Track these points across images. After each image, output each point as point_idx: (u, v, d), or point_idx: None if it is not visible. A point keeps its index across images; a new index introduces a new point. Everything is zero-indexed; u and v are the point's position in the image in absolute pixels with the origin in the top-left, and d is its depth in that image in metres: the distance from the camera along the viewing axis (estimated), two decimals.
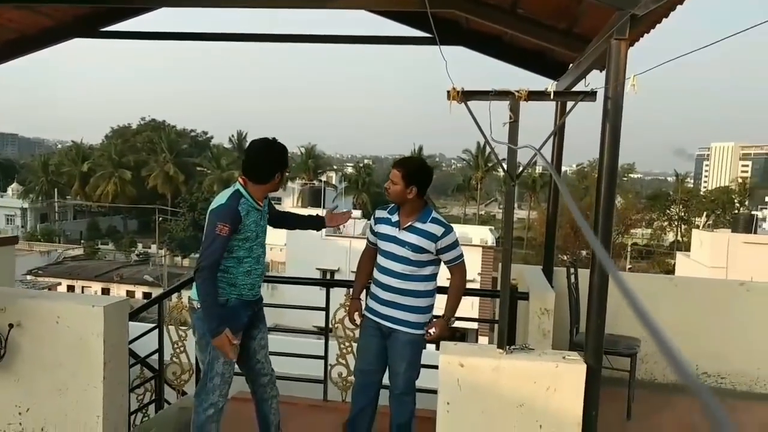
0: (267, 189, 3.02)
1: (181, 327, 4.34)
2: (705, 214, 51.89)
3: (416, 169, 3.21)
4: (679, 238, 54.56)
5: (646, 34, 3.33)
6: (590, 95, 2.73)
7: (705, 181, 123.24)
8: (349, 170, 67.17)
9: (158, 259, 48.28)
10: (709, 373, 4.64)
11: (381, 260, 3.29)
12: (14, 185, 59.08)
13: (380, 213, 3.36)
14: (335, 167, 68.45)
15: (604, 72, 2.88)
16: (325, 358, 4.23)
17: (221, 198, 2.92)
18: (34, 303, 3.17)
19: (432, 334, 3.27)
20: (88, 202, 60.68)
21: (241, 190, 2.94)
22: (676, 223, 57.79)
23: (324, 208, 33.51)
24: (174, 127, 66.94)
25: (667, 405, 4.41)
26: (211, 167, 59.63)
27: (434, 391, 3.05)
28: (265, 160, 2.98)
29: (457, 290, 3.33)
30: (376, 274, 3.32)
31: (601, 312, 2.69)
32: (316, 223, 3.51)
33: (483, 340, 21.16)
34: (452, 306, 3.31)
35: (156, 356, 4.43)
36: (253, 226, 2.96)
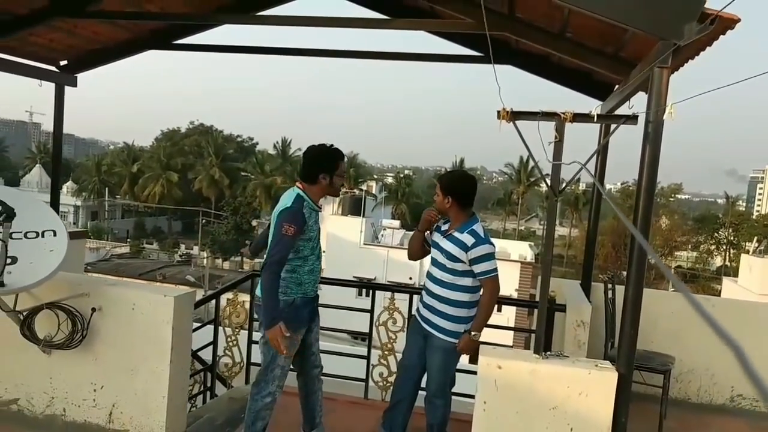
0: (319, 191, 3.21)
1: (230, 326, 4.66)
2: (756, 238, 50.08)
3: (450, 181, 3.42)
4: (728, 262, 52.77)
5: (690, 60, 3.47)
6: (632, 119, 2.90)
7: (758, 205, 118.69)
8: (389, 180, 67.55)
9: (200, 260, 49.54)
10: (744, 395, 4.67)
11: (429, 266, 3.51)
12: (69, 183, 61.47)
13: (439, 223, 3.54)
14: (375, 177, 68.91)
15: (647, 95, 3.04)
16: (367, 358, 4.47)
17: (286, 201, 3.15)
18: (113, 290, 3.51)
19: (458, 347, 3.37)
20: (136, 202, 62.75)
21: (302, 193, 3.18)
22: (724, 247, 55.91)
23: (364, 216, 33.87)
24: (221, 132, 68.65)
25: (700, 424, 4.47)
26: (255, 173, 60.92)
27: (471, 396, 3.23)
28: (310, 163, 3.21)
29: (486, 305, 3.35)
30: (425, 280, 3.54)
31: (634, 323, 2.84)
32: None
33: None
34: (479, 320, 3.35)
35: (203, 351, 4.75)
36: (315, 226, 3.20)
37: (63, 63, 5.76)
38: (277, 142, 65.08)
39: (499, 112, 2.93)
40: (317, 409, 3.60)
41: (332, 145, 3.29)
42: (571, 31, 3.82)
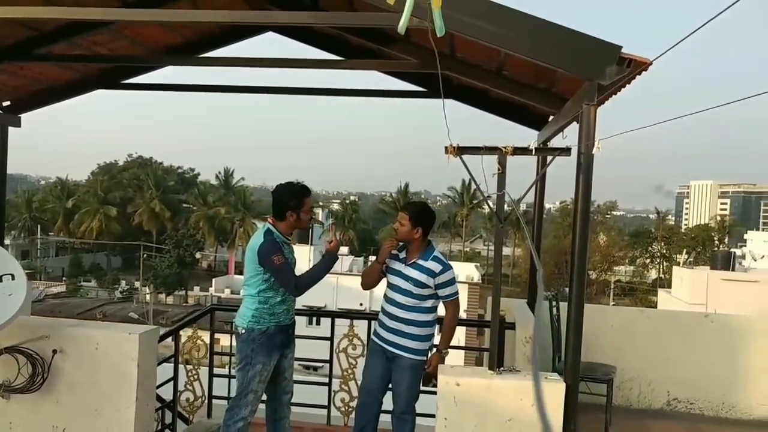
0: (287, 226, 3.49)
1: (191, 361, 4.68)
2: (685, 251, 52.96)
3: (421, 212, 3.66)
4: (662, 275, 55.46)
5: (614, 96, 3.85)
6: (565, 151, 3.22)
7: (686, 219, 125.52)
8: (335, 206, 67.66)
9: (142, 296, 47.89)
10: (679, 399, 5.04)
11: (388, 292, 3.70)
12: None
13: (394, 251, 3.72)
14: (321, 204, 68.85)
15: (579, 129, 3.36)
16: (329, 384, 4.59)
17: (258, 238, 3.41)
18: (75, 331, 3.52)
19: (429, 368, 3.61)
20: (71, 239, 60.25)
21: (271, 227, 3.46)
22: (658, 261, 58.82)
23: (312, 244, 33.76)
24: (161, 164, 67.13)
25: (642, 428, 4.79)
26: (198, 204, 59.79)
27: (431, 415, 3.42)
28: (278, 201, 3.49)
29: (450, 324, 3.69)
30: (384, 304, 3.72)
31: (578, 336, 3.10)
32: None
33: None
34: (446, 339, 3.69)
35: (161, 388, 4.72)
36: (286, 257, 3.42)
37: (6, 104, 5.69)
38: (220, 173, 64.30)
39: (446, 147, 3.19)
40: None
41: (299, 183, 3.52)
42: (508, 69, 4.16)
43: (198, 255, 59.66)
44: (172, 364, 4.71)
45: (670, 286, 33.92)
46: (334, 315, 4.80)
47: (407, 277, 3.61)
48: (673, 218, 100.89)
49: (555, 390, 3.09)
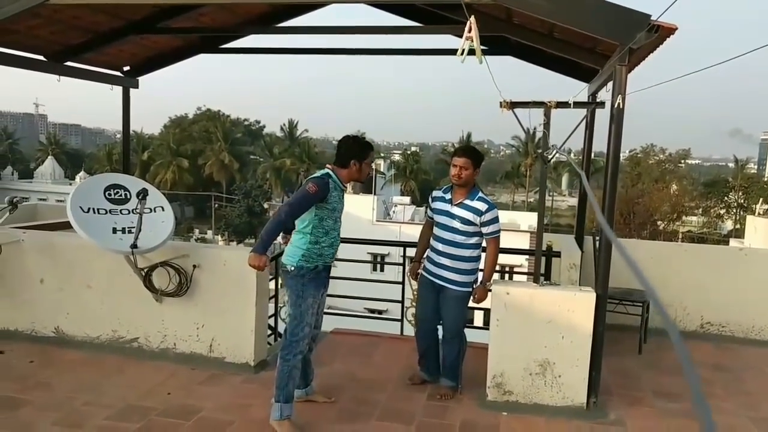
0: (348, 174, 3.60)
1: None
2: (761, 200, 50.60)
3: (479, 156, 4.10)
4: (738, 225, 53.33)
5: (644, 60, 4.37)
6: (600, 104, 3.85)
7: None
8: (396, 157, 68.32)
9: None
10: (712, 322, 5.65)
11: (436, 230, 4.10)
12: (81, 173, 62.63)
13: (437, 193, 4.18)
14: (383, 154, 69.58)
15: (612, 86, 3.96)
16: (401, 302, 5.50)
17: (316, 174, 3.58)
18: (208, 251, 4.53)
19: (475, 298, 4.10)
20: None
21: (330, 172, 3.57)
22: (734, 210, 56.44)
23: (375, 194, 34.83)
24: (228, 117, 69.44)
25: (673, 346, 5.46)
26: (264, 155, 61.95)
27: (479, 327, 4.18)
28: (344, 149, 3.62)
29: (492, 258, 4.04)
30: (432, 242, 4.13)
31: (607, 257, 3.81)
32: None
33: None
34: (489, 272, 4.04)
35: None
36: (337, 201, 3.56)
37: (126, 69, 6.73)
38: (284, 124, 66.05)
39: (501, 102, 3.89)
40: (310, 369, 3.95)
41: (358, 135, 3.81)
42: (557, 32, 4.73)
43: (266, 205, 62.28)
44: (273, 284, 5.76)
45: (744, 237, 32.88)
46: (405, 245, 5.67)
47: (454, 216, 3.97)
48: (755, 166, 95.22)
49: (587, 299, 3.83)
